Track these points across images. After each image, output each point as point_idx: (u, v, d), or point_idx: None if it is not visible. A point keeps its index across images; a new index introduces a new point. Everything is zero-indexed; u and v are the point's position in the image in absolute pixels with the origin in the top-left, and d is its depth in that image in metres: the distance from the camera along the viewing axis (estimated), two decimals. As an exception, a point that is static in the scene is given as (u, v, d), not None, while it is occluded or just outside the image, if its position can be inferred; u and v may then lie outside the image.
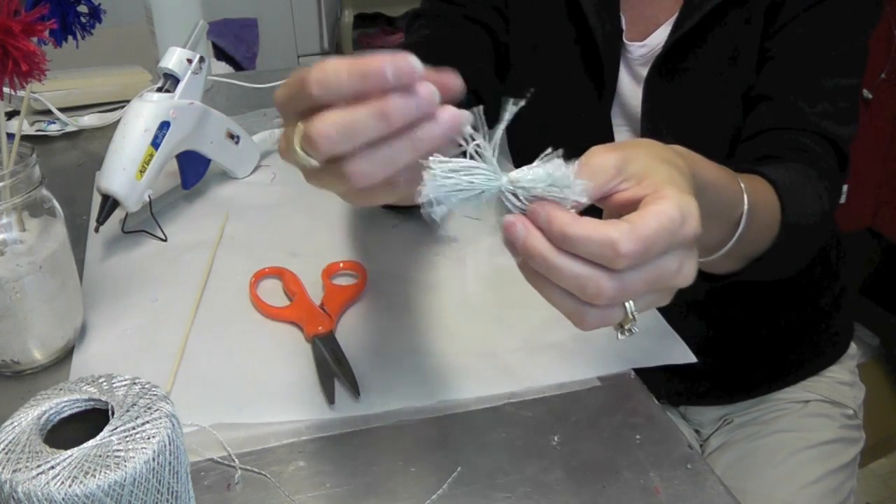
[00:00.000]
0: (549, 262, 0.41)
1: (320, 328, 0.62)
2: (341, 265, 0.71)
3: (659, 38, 0.75)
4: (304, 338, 0.62)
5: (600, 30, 0.75)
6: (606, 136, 0.80)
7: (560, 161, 0.42)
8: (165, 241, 0.76)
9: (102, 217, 0.72)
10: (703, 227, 0.46)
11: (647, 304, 0.44)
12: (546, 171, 0.42)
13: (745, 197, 0.55)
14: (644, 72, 0.76)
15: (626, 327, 0.44)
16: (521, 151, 0.88)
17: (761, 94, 0.72)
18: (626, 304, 0.42)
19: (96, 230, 0.73)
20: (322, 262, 0.71)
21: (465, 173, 0.41)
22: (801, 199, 0.63)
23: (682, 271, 0.42)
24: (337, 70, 0.38)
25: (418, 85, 0.38)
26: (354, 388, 0.56)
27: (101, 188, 0.71)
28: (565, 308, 0.43)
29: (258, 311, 0.66)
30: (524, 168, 0.42)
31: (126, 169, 0.71)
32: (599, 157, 0.42)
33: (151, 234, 0.77)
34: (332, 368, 0.58)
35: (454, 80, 0.41)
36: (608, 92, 0.78)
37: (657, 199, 0.41)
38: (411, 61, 0.38)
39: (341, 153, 0.39)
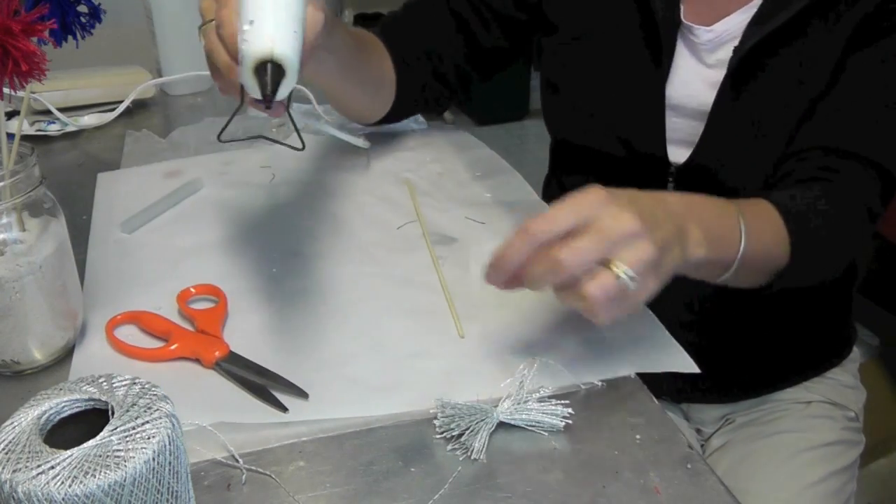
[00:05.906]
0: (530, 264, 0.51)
1: (217, 353, 0.59)
2: (193, 290, 0.67)
3: (728, 25, 0.72)
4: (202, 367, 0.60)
5: (661, 9, 0.74)
6: (657, 114, 0.77)
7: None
8: (303, 149, 0.62)
9: (271, 92, 0.49)
10: (706, 246, 0.56)
11: (630, 258, 0.50)
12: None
13: (741, 220, 0.60)
14: (710, 58, 0.74)
15: (619, 273, 0.50)
16: (560, 131, 0.89)
17: (824, 108, 0.70)
18: (614, 268, 0.50)
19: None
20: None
21: (466, 416, 0.53)
22: (805, 217, 0.65)
23: (621, 217, 0.50)
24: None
25: None
26: (298, 390, 0.56)
27: (258, 53, 0.49)
28: (569, 298, 0.51)
29: (136, 358, 0.61)
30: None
31: (297, 31, 0.51)
32: None
33: (282, 143, 0.64)
34: (258, 382, 0.57)
35: None
36: (663, 70, 0.76)
37: None
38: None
39: None
